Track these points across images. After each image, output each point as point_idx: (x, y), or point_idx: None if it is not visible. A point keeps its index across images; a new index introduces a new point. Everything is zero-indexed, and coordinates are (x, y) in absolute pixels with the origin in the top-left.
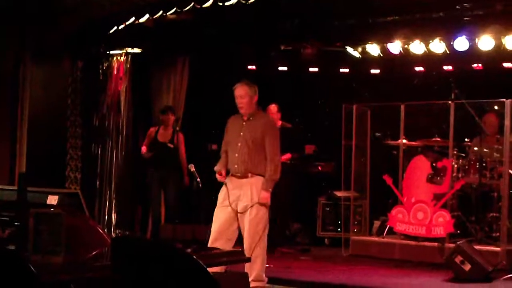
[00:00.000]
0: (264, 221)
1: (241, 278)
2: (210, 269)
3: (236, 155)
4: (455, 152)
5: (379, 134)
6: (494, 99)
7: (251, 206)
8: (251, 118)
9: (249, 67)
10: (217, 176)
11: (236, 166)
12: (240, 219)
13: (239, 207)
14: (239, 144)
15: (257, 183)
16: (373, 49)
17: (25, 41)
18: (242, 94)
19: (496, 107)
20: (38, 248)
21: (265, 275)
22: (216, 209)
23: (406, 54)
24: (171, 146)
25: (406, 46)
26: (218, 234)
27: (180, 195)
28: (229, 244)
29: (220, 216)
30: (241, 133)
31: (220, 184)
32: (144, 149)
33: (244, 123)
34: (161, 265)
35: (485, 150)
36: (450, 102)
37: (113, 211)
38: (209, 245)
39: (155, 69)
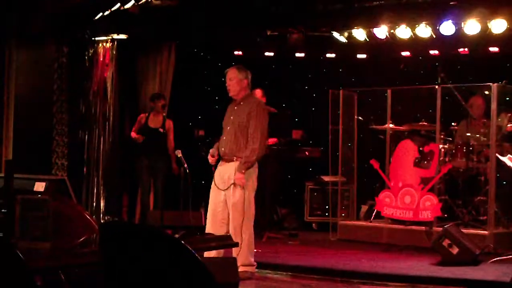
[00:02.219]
0: (247, 204)
1: (229, 263)
2: (206, 254)
3: (225, 138)
4: (442, 136)
5: (361, 118)
6: (480, 83)
7: (234, 190)
8: (241, 103)
9: (236, 52)
10: (209, 157)
11: (223, 149)
12: (228, 203)
13: (227, 191)
14: (228, 128)
15: None
16: (360, 34)
17: (10, 26)
18: (231, 76)
19: (481, 91)
20: (26, 234)
21: (254, 259)
22: (210, 192)
23: (392, 38)
24: (162, 130)
25: (392, 30)
26: (213, 217)
27: (167, 182)
28: (224, 228)
29: (212, 199)
30: (231, 117)
31: (208, 169)
32: (133, 134)
33: (235, 107)
34: (149, 251)
35: (471, 134)
36: (436, 86)
37: (101, 198)
38: (206, 228)
39: (141, 55)
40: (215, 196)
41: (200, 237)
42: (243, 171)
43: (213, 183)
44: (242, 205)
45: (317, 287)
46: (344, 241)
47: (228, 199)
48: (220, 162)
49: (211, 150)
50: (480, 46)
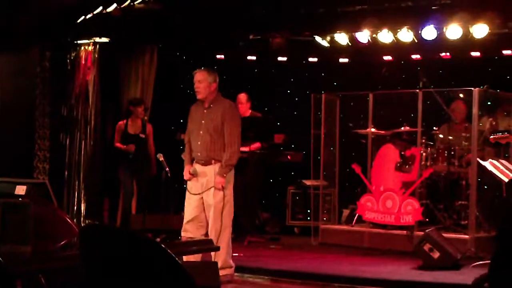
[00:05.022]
0: (227, 208)
1: (210, 267)
2: (185, 258)
3: (199, 143)
4: (423, 141)
5: (351, 124)
6: (462, 87)
7: (214, 193)
8: (211, 105)
9: (218, 56)
10: (186, 173)
11: (199, 154)
12: (206, 206)
13: (205, 194)
14: (201, 132)
15: None
16: (342, 38)
17: None
18: (200, 79)
19: (463, 95)
20: (6, 238)
21: (234, 262)
22: (186, 196)
23: (374, 43)
24: (143, 136)
25: (374, 35)
26: (189, 220)
27: (151, 185)
28: (201, 231)
29: (190, 203)
30: (203, 121)
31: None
32: (119, 145)
33: (205, 110)
34: (130, 255)
35: (453, 138)
36: (418, 90)
37: (82, 201)
38: (182, 231)
39: (123, 58)
40: (191, 199)
41: (181, 241)
42: (225, 175)
43: (188, 186)
44: (222, 207)
45: None
46: (326, 245)
47: (206, 202)
48: (194, 166)
49: (190, 169)
50: (462, 51)
